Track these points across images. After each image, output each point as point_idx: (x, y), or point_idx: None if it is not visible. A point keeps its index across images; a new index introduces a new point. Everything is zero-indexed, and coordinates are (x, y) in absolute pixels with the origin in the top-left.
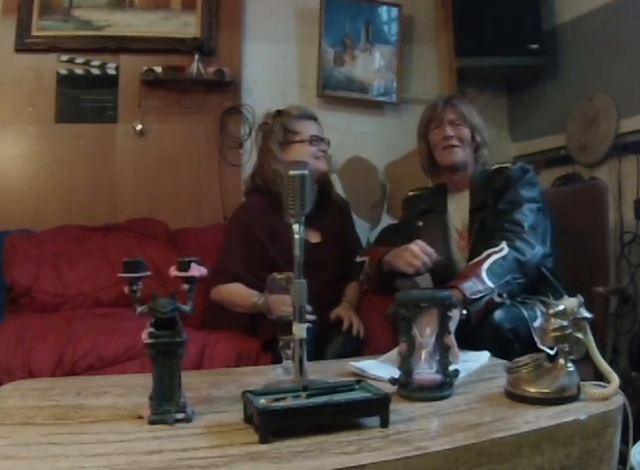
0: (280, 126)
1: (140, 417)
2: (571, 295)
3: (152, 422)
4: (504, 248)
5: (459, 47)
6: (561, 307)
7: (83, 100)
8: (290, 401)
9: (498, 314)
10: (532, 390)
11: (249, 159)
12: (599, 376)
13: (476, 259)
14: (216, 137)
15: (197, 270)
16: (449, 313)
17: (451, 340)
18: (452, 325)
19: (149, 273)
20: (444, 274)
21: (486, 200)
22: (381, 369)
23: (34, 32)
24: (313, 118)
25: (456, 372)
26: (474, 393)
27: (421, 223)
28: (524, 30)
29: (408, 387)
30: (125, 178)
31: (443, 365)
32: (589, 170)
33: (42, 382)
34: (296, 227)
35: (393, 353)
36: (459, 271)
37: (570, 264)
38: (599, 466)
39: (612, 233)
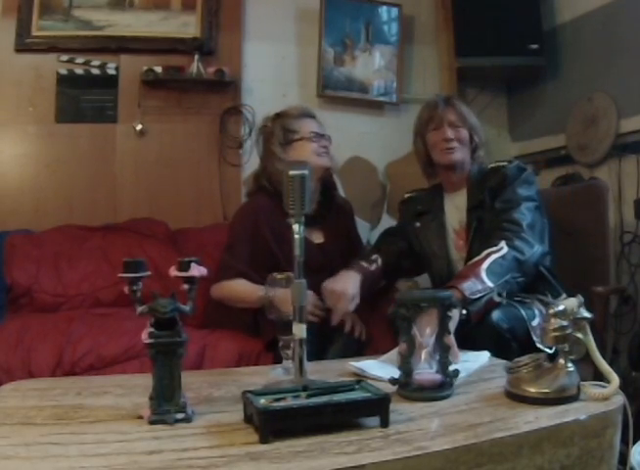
0: (280, 128)
1: (140, 417)
2: (570, 294)
3: (152, 422)
4: (503, 247)
5: (459, 47)
6: (561, 307)
7: (83, 100)
8: (290, 401)
9: (496, 314)
10: (532, 390)
11: (249, 159)
12: (599, 376)
13: (475, 259)
14: (216, 137)
15: (197, 270)
16: (449, 313)
17: (451, 340)
18: (452, 325)
19: (149, 273)
20: (443, 274)
21: (484, 199)
22: (381, 369)
23: (34, 32)
24: (312, 116)
25: (456, 372)
26: (474, 393)
27: (418, 224)
28: (524, 30)
29: (408, 387)
30: (125, 178)
31: (443, 365)
32: (589, 170)
33: (42, 382)
34: (295, 227)
35: (393, 354)
36: (457, 271)
37: (570, 264)
38: (599, 466)
39: (612, 233)
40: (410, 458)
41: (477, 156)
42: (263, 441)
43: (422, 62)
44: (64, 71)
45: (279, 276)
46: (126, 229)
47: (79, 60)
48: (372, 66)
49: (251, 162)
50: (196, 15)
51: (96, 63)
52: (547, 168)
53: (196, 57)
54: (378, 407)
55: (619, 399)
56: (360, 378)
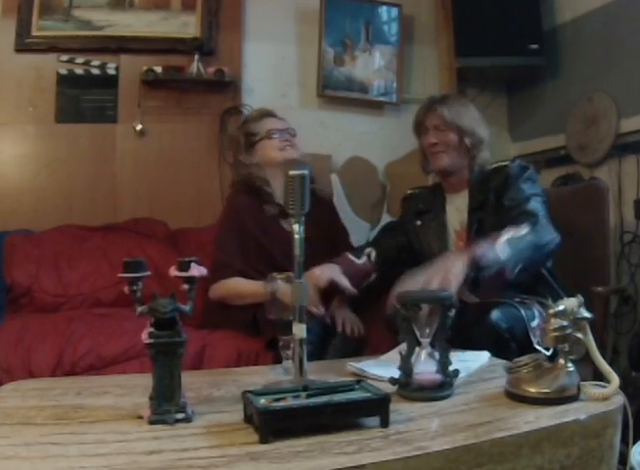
0: (243, 134)
1: (140, 417)
2: (570, 295)
3: (152, 422)
4: (525, 227)
5: (459, 47)
6: (561, 307)
7: (83, 100)
8: (290, 401)
9: (495, 314)
10: (532, 390)
11: None
12: (599, 376)
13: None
14: (216, 137)
15: (197, 270)
16: (449, 313)
17: None
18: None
19: (149, 273)
20: None
21: (485, 200)
22: (381, 369)
23: (34, 32)
24: (271, 115)
25: (456, 372)
26: (474, 393)
27: (419, 222)
28: (524, 30)
29: (408, 387)
30: (125, 178)
31: (443, 365)
32: (589, 170)
33: (42, 382)
34: (296, 227)
35: (394, 353)
36: None
37: (570, 264)
38: (599, 466)
39: (612, 233)
40: (410, 458)
41: (474, 156)
42: (263, 441)
43: (422, 62)
44: (64, 71)
45: (279, 276)
46: (126, 229)
47: (79, 60)
48: (372, 66)
49: None
50: (196, 15)
51: (96, 63)
52: (547, 168)
53: (196, 57)
54: (378, 407)
55: (619, 399)
56: (360, 378)
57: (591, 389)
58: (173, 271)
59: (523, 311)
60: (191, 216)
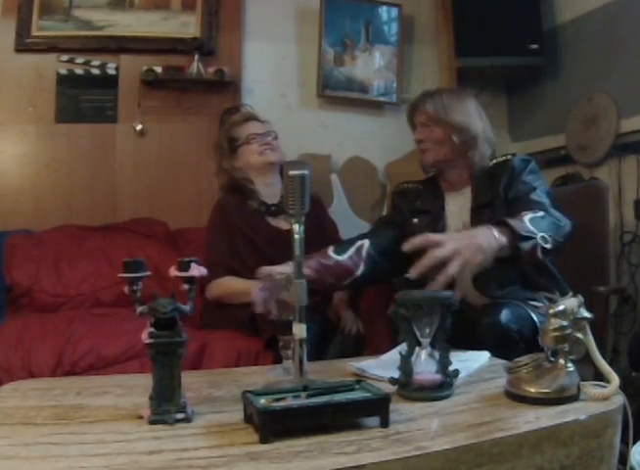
0: (225, 139)
1: (140, 417)
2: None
3: (152, 422)
4: (540, 212)
5: (459, 47)
6: (561, 307)
7: (83, 100)
8: (290, 401)
9: (505, 315)
10: (532, 390)
11: None
12: (599, 376)
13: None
14: (216, 137)
15: (197, 270)
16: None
17: None
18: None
19: (149, 273)
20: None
21: (495, 196)
22: (381, 369)
23: (34, 32)
24: (251, 119)
25: (456, 372)
26: (474, 393)
27: (416, 221)
28: (524, 30)
29: (408, 387)
30: (125, 178)
31: (443, 365)
32: (589, 170)
33: (42, 382)
34: (296, 227)
35: (394, 353)
36: None
37: (570, 264)
38: (599, 466)
39: (612, 233)
40: (410, 458)
41: (468, 152)
42: (263, 441)
43: (422, 62)
44: (64, 71)
45: (279, 276)
46: (126, 229)
47: (79, 60)
48: (372, 66)
49: None
50: (196, 15)
51: (96, 63)
52: (547, 168)
53: (196, 57)
54: (378, 407)
55: (619, 399)
56: (360, 378)
57: (591, 389)
58: (173, 271)
59: (534, 315)
60: (191, 216)
